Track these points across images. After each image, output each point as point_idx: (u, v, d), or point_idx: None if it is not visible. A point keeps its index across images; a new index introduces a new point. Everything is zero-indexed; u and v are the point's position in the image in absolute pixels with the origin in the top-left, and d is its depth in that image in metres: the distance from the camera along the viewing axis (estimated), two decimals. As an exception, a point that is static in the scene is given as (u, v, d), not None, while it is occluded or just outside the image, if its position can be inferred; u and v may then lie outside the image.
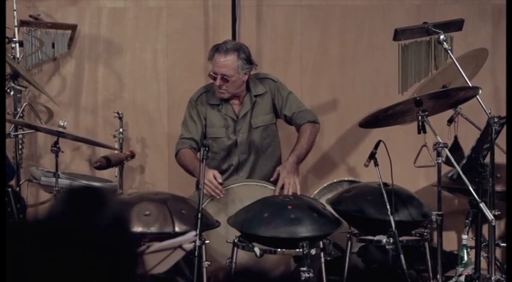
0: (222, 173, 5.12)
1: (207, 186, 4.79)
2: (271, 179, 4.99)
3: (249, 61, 5.06)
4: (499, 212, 4.69)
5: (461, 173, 4.41)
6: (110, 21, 5.93)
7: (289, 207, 4.51)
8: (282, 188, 4.89)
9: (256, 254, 4.41)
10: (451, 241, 5.85)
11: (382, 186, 4.51)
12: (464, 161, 4.70)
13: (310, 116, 5.18)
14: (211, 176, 4.83)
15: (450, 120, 5.27)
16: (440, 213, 4.60)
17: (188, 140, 5.13)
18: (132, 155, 5.62)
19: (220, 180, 4.86)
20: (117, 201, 1.83)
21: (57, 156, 4.95)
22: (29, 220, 4.41)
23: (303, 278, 4.25)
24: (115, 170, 5.49)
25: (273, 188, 4.94)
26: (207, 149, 4.59)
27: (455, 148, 5.19)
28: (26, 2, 5.80)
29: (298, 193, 4.89)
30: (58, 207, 1.79)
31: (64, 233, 1.71)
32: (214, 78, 5.05)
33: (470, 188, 4.38)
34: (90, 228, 1.72)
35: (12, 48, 5.59)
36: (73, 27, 5.80)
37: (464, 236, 4.72)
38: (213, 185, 4.81)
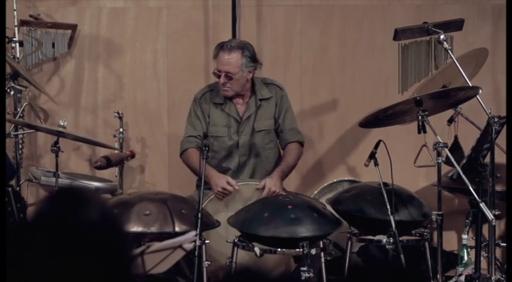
0: (221, 173, 5.12)
1: (220, 194, 4.82)
2: (258, 187, 4.96)
3: (253, 59, 5.06)
4: (499, 212, 4.69)
5: (461, 173, 4.41)
6: (110, 21, 5.93)
7: (289, 207, 4.51)
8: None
9: (256, 254, 4.41)
10: (451, 241, 5.85)
11: (382, 186, 4.52)
12: (464, 161, 4.70)
13: (300, 136, 5.23)
14: (225, 183, 4.86)
15: (450, 120, 5.27)
16: (440, 213, 4.60)
17: (195, 138, 5.11)
18: (132, 155, 5.62)
19: (236, 188, 4.88)
20: (102, 201, 1.83)
21: (57, 156, 4.95)
22: (16, 222, 4.42)
23: (303, 278, 4.25)
24: (115, 170, 5.49)
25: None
26: (207, 148, 4.59)
27: (455, 148, 5.19)
28: (26, 1, 5.80)
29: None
30: (43, 208, 1.79)
31: (50, 232, 1.71)
32: (218, 76, 5.04)
33: (470, 187, 4.38)
34: (77, 227, 1.71)
35: (12, 48, 5.59)
36: (73, 27, 5.80)
37: (465, 236, 4.72)
38: (227, 191, 4.84)
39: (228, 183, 4.88)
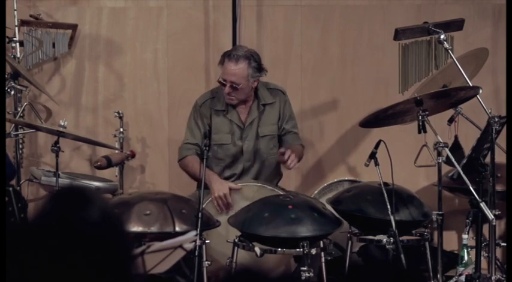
0: (225, 179, 5.10)
1: (220, 200, 4.82)
2: (280, 151, 4.92)
3: (259, 69, 5.03)
4: (499, 212, 4.69)
5: (461, 173, 4.41)
6: (110, 21, 5.93)
7: (290, 207, 4.51)
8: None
9: (256, 254, 4.41)
10: (452, 241, 5.85)
11: (382, 185, 4.51)
12: (464, 161, 4.71)
13: (301, 141, 5.27)
14: (227, 189, 4.86)
15: (450, 120, 5.28)
16: (440, 212, 4.61)
17: (193, 145, 5.11)
18: (133, 155, 5.62)
19: (239, 187, 4.88)
20: (103, 200, 1.83)
21: (57, 155, 4.95)
22: (17, 221, 4.42)
23: (303, 278, 4.25)
24: (115, 170, 5.49)
25: (272, 188, 4.94)
26: (207, 148, 4.59)
27: (456, 148, 5.19)
28: (26, 1, 5.80)
29: (297, 165, 4.92)
30: (44, 207, 1.78)
31: (51, 231, 1.71)
32: (224, 85, 5.02)
33: (471, 187, 4.38)
34: (79, 227, 1.71)
35: (13, 47, 5.59)
36: (73, 27, 5.80)
37: (465, 236, 4.72)
38: (226, 200, 4.83)
39: (230, 189, 4.87)
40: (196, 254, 4.29)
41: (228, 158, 5.15)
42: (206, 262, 4.41)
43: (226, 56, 5.02)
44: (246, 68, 4.98)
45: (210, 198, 4.86)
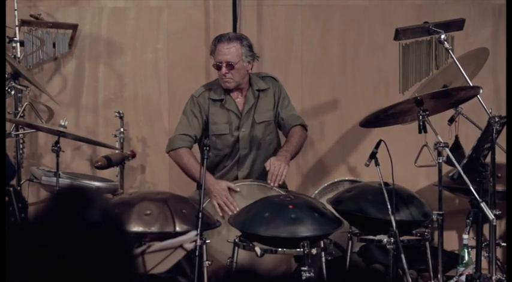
0: (223, 168, 5.11)
1: (221, 201, 4.80)
2: (266, 168, 4.90)
3: (251, 49, 5.07)
4: (500, 212, 4.68)
5: (462, 173, 4.41)
6: (110, 21, 5.93)
7: (290, 206, 4.51)
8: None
9: (256, 254, 4.41)
10: (452, 241, 5.85)
11: (382, 185, 4.51)
12: (465, 161, 4.71)
13: (301, 120, 5.22)
14: (226, 189, 4.84)
15: (451, 120, 5.28)
16: (441, 212, 4.61)
17: (188, 137, 5.08)
18: (133, 155, 5.62)
19: (238, 190, 4.87)
20: (105, 200, 1.82)
21: (58, 155, 4.95)
22: (18, 221, 4.41)
23: (303, 278, 4.25)
24: (116, 170, 5.49)
25: (271, 187, 4.94)
26: (207, 148, 4.58)
27: (456, 148, 5.19)
28: (26, 1, 5.80)
29: (282, 178, 4.85)
30: (46, 207, 1.78)
31: (54, 232, 1.71)
32: (219, 68, 5.03)
33: (471, 187, 4.38)
34: (80, 227, 1.71)
35: (13, 47, 5.60)
36: (74, 27, 5.81)
37: (465, 236, 4.72)
38: (228, 201, 4.82)
39: (229, 188, 4.86)
40: (197, 254, 4.29)
41: (226, 147, 5.15)
42: (206, 262, 4.41)
43: (217, 40, 5.05)
44: (239, 47, 5.01)
45: (210, 198, 4.86)
